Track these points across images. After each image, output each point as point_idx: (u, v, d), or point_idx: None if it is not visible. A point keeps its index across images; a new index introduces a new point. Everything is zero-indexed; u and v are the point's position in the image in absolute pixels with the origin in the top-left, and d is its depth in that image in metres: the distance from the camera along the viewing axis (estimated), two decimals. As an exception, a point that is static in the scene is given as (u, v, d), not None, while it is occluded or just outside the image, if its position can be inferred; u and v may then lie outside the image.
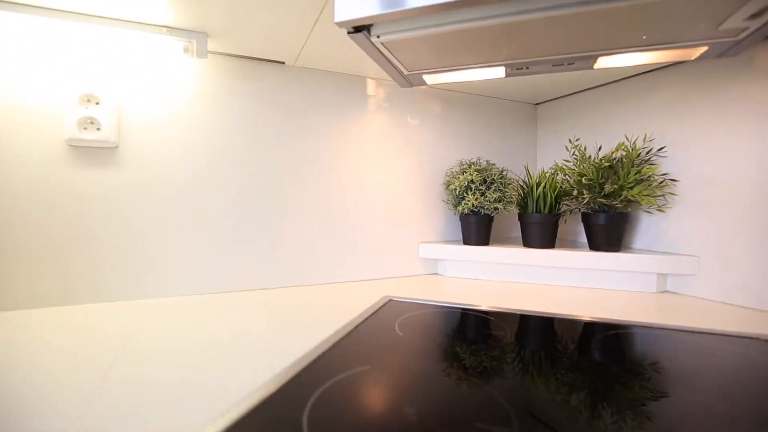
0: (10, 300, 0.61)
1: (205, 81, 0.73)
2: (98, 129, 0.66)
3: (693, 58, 0.62)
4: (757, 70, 0.67)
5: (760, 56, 0.66)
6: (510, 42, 0.57)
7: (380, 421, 0.31)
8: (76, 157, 0.66)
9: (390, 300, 0.69)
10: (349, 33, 0.55)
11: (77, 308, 0.64)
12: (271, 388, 0.35)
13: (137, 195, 0.69)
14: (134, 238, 0.69)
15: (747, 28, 0.53)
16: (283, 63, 0.79)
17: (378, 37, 0.56)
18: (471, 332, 0.55)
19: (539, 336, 0.55)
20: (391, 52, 0.61)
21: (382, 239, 0.90)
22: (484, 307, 0.65)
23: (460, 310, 0.64)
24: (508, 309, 0.65)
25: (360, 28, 0.54)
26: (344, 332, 0.51)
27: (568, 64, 0.64)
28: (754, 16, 0.50)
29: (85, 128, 0.65)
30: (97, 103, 0.66)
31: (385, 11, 0.49)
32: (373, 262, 0.90)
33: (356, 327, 0.54)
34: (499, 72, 0.70)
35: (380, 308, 0.64)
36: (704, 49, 0.60)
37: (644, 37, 0.54)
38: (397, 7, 0.48)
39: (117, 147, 0.68)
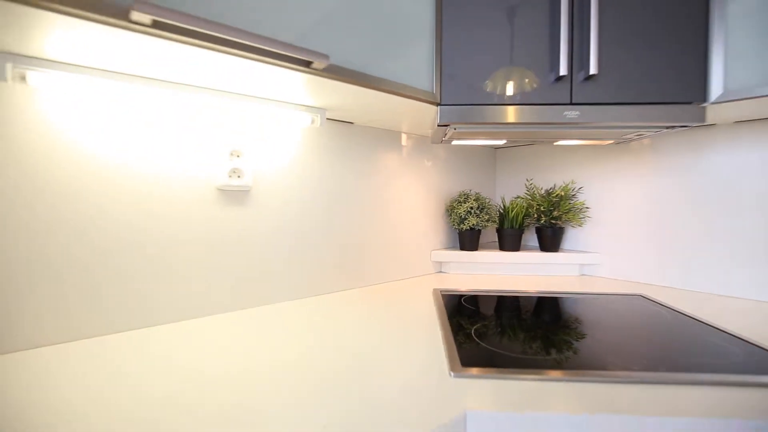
0: (183, 307, 0.79)
1: (308, 139, 0.98)
2: (239, 176, 0.87)
3: (604, 144, 1.11)
4: (632, 147, 1.19)
5: (634, 144, 1.19)
6: (518, 135, 0.98)
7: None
8: (222, 198, 0.85)
9: (435, 289, 1.04)
10: (440, 126, 0.89)
11: (224, 314, 0.84)
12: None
13: (263, 223, 0.91)
14: (261, 253, 0.91)
15: (636, 137, 1.02)
16: (352, 123, 1.08)
17: (455, 129, 0.91)
18: (475, 304, 0.94)
19: (511, 305, 0.96)
20: (452, 134, 0.96)
21: (409, 248, 1.24)
22: (478, 291, 1.05)
23: (482, 293, 1.03)
24: (492, 291, 1.05)
25: (444, 126, 0.89)
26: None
27: (540, 142, 1.08)
28: (638, 135, 0.99)
29: (230, 177, 0.86)
30: (238, 156, 0.87)
31: (463, 121, 0.85)
32: (403, 264, 1.23)
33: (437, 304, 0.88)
34: (501, 143, 1.11)
35: (440, 295, 0.99)
36: (611, 141, 1.09)
37: (581, 140, 1.01)
38: (470, 122, 0.85)
39: (250, 190, 0.89)
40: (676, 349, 0.67)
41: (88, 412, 0.46)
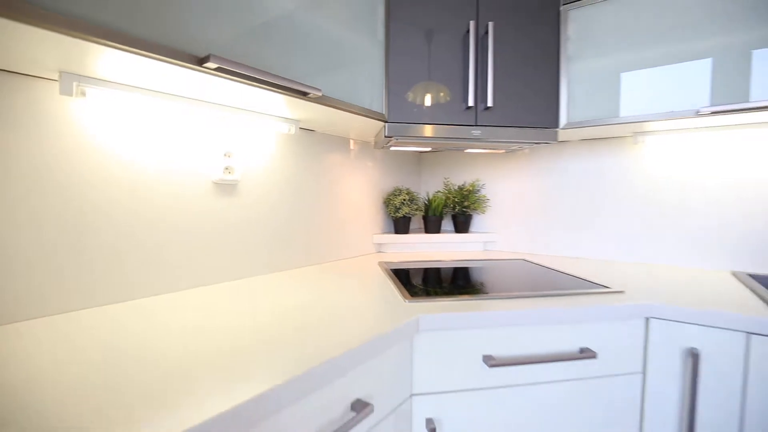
0: (179, 278, 0.99)
1: (283, 144, 1.21)
2: (230, 173, 1.08)
3: (499, 152, 1.53)
4: (517, 155, 1.64)
5: (518, 153, 1.63)
6: (440, 145, 1.34)
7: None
8: (217, 190, 1.06)
9: (381, 262, 1.35)
10: (386, 137, 1.20)
11: (219, 284, 1.05)
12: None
13: (247, 211, 1.13)
14: (247, 234, 1.12)
15: (519, 149, 1.45)
16: (314, 131, 1.33)
17: (396, 139, 1.23)
18: (408, 272, 1.29)
19: (436, 269, 1.33)
20: (395, 142, 1.29)
21: (355, 232, 1.53)
22: (411, 262, 1.40)
23: (415, 263, 1.37)
24: (421, 261, 1.42)
25: (389, 137, 1.20)
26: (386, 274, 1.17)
27: (454, 150, 1.46)
28: (520, 147, 1.42)
29: (224, 172, 1.06)
30: (230, 156, 1.08)
31: (399, 134, 1.18)
32: (352, 245, 1.52)
33: (388, 271, 1.20)
34: (427, 149, 1.47)
35: (384, 265, 1.30)
36: (503, 151, 1.51)
37: (483, 149, 1.41)
38: (408, 135, 1.18)
39: (238, 183, 1.11)
40: (539, 282, 1.07)
41: (129, 349, 0.68)
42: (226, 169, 1.07)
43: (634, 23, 1.17)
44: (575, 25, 1.26)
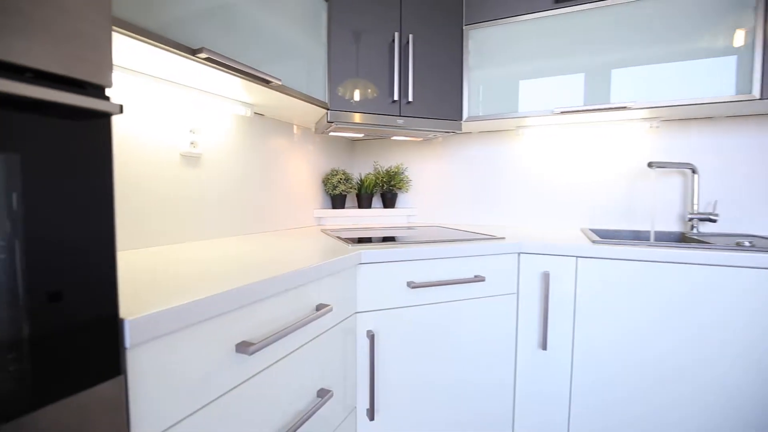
0: (151, 237, 1.15)
1: (239, 124, 1.39)
2: (194, 147, 1.25)
3: (418, 140, 1.88)
4: (433, 143, 2.00)
5: (434, 141, 1.99)
6: (371, 132, 1.64)
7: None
8: (183, 162, 1.22)
9: (322, 230, 1.61)
10: (328, 122, 1.46)
11: (191, 243, 1.23)
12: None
13: (210, 181, 1.30)
14: (209, 201, 1.30)
15: (434, 137, 1.81)
16: (263, 115, 1.53)
17: (336, 125, 1.49)
18: (348, 236, 1.58)
19: (368, 236, 1.64)
20: (335, 128, 1.55)
21: (299, 206, 1.76)
22: (351, 234, 1.69)
23: (350, 232, 1.65)
24: (357, 232, 1.71)
25: (331, 123, 1.47)
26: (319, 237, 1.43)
27: (389, 137, 1.76)
28: (435, 136, 1.78)
29: (190, 146, 1.23)
30: (193, 132, 1.25)
31: (338, 120, 1.45)
32: (297, 217, 1.74)
33: (326, 233, 1.47)
34: (360, 136, 1.75)
35: (326, 231, 1.56)
36: (421, 139, 1.86)
37: (406, 137, 1.74)
38: (346, 121, 1.46)
39: (201, 156, 1.28)
40: (448, 236, 1.42)
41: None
42: (192, 143, 1.24)
43: (517, 44, 1.58)
44: (473, 42, 1.64)
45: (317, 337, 0.92)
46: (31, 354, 0.42)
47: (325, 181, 1.90)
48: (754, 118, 1.51)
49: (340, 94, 1.45)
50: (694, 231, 1.55)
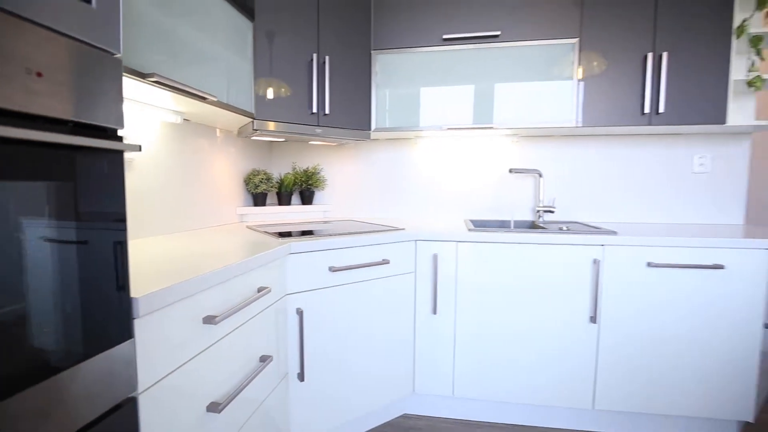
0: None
1: (169, 130, 1.49)
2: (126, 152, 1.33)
3: (334, 145, 2.14)
4: (347, 147, 2.28)
5: (348, 146, 2.27)
6: (292, 138, 1.86)
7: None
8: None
9: (248, 226, 1.79)
10: (254, 130, 1.64)
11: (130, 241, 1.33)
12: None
13: (141, 184, 1.40)
14: (141, 203, 1.40)
15: (347, 143, 2.09)
16: (189, 121, 1.64)
17: (260, 131, 1.68)
18: (273, 231, 1.80)
19: (290, 230, 1.87)
20: (259, 134, 1.73)
21: (223, 204, 1.89)
22: (276, 229, 1.90)
23: (273, 227, 1.86)
24: (278, 224, 1.93)
25: (256, 130, 1.65)
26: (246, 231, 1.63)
27: (308, 141, 1.99)
28: (347, 142, 2.06)
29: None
30: (125, 139, 1.33)
31: (264, 128, 1.65)
32: (220, 215, 1.87)
33: (252, 229, 1.66)
34: (282, 140, 1.95)
35: (252, 228, 1.75)
36: (337, 144, 2.12)
37: (323, 142, 1.99)
38: (270, 130, 1.66)
39: (132, 161, 1.36)
40: (359, 228, 1.71)
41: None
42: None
43: (416, 69, 1.93)
44: (380, 64, 1.95)
45: (259, 313, 1.14)
46: (78, 320, 0.60)
47: (247, 181, 2.05)
48: (579, 137, 2.10)
49: (265, 105, 1.64)
50: (541, 219, 2.09)
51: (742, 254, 1.50)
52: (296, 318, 1.35)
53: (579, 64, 1.78)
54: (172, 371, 0.79)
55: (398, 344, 1.66)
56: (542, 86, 1.84)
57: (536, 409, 1.72)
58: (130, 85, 1.06)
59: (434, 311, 1.68)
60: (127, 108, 1.26)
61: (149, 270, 0.90)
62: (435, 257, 1.65)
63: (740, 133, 1.97)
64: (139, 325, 0.70)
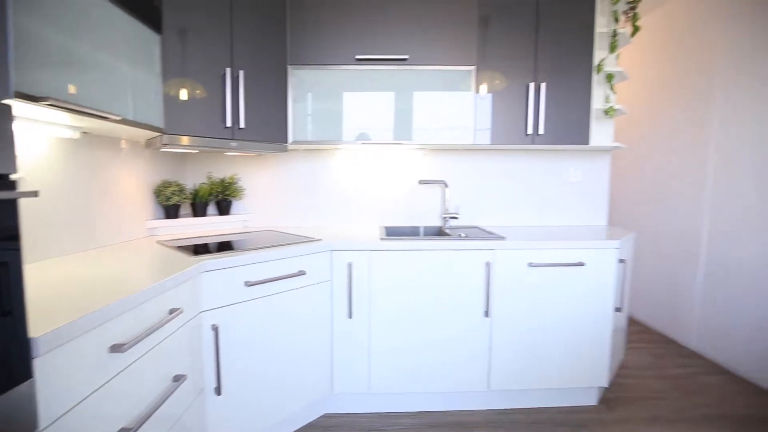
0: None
1: (63, 144, 1.40)
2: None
3: (252, 155, 2.15)
4: (266, 157, 2.30)
5: (267, 156, 2.29)
6: (207, 150, 1.85)
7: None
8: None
9: (159, 241, 1.75)
10: (164, 144, 1.61)
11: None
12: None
13: (35, 204, 1.31)
14: (37, 225, 1.31)
15: (265, 154, 2.11)
16: (87, 132, 1.55)
17: (169, 145, 1.65)
18: (187, 246, 1.80)
19: (206, 243, 1.88)
20: (169, 146, 1.70)
21: (130, 218, 1.82)
22: (190, 243, 1.88)
23: (188, 240, 1.84)
24: (194, 238, 1.92)
25: (166, 144, 1.62)
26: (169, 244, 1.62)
27: (224, 153, 1.98)
28: (265, 153, 2.09)
29: (6, 170, 1.23)
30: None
31: (175, 143, 1.63)
32: (128, 230, 1.80)
33: (163, 243, 1.64)
34: (195, 152, 1.92)
35: (163, 243, 1.72)
36: (255, 154, 2.14)
37: (241, 154, 2.00)
38: (181, 144, 1.65)
39: (23, 179, 1.27)
40: (278, 240, 1.77)
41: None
42: (10, 167, 1.23)
43: (332, 84, 2.02)
44: (296, 79, 2.01)
45: (172, 334, 1.17)
46: (-27, 368, 0.61)
47: (158, 193, 1.98)
48: (479, 151, 2.36)
49: (176, 118, 1.62)
50: (447, 225, 2.32)
51: (597, 253, 1.85)
52: (212, 334, 1.38)
53: (477, 89, 2.02)
54: (77, 404, 0.80)
55: (316, 349, 1.76)
56: (447, 106, 2.05)
57: (442, 395, 1.94)
58: (21, 106, 1.02)
59: (350, 316, 1.81)
60: (16, 126, 1.18)
61: (49, 299, 0.89)
62: (350, 266, 1.78)
63: (603, 150, 2.38)
64: (39, 364, 0.71)
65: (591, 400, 2.02)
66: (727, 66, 2.43)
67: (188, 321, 1.27)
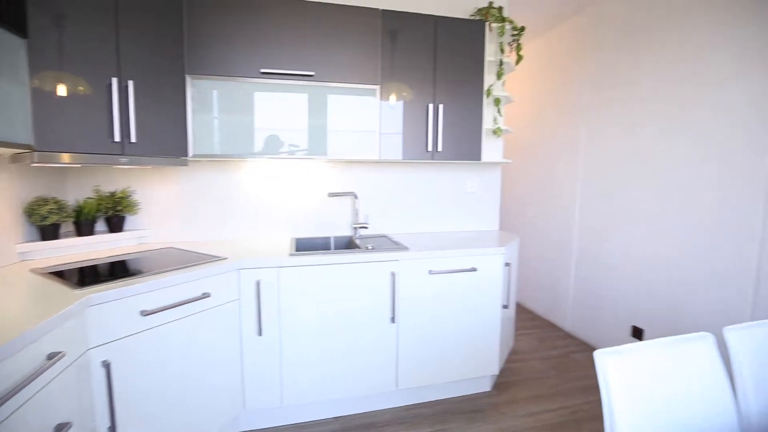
0: None
1: None
2: None
3: (148, 168, 2.00)
4: (165, 169, 2.15)
5: (167, 169, 2.14)
6: (93, 164, 1.69)
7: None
8: None
9: (33, 269, 1.56)
10: (34, 161, 1.44)
11: None
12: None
13: None
14: None
15: (162, 167, 1.98)
16: (-70, 149, 1.32)
17: (39, 161, 1.48)
18: (68, 271, 1.65)
19: (93, 268, 1.74)
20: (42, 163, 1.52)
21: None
22: (69, 266, 1.71)
23: (72, 265, 1.67)
24: (79, 263, 1.75)
25: (37, 162, 1.45)
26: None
27: (107, 166, 1.81)
28: (161, 166, 1.96)
29: None
30: None
31: (49, 161, 1.47)
32: (-8, 259, 1.57)
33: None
34: (78, 166, 1.74)
35: (39, 271, 1.54)
36: (150, 167, 1.99)
37: (133, 167, 1.86)
38: (58, 161, 1.49)
39: None
40: (179, 261, 1.69)
41: None
42: None
43: (237, 96, 1.96)
44: (196, 90, 1.92)
45: (53, 380, 1.07)
46: None
47: (30, 212, 1.75)
48: (387, 164, 2.49)
49: (51, 133, 1.45)
50: (357, 235, 2.42)
51: (487, 259, 2.09)
52: (102, 371, 1.29)
53: (380, 107, 2.13)
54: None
55: (226, 370, 1.73)
56: (357, 121, 2.12)
57: (355, 399, 2.04)
58: None
59: (260, 333, 1.81)
60: None
61: None
62: (258, 284, 1.77)
63: (494, 164, 2.68)
64: None
65: (485, 386, 2.29)
66: (591, 90, 2.89)
67: (74, 362, 1.18)
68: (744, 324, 1.13)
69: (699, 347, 1.00)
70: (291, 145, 2.07)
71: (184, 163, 1.92)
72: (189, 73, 1.89)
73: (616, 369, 0.91)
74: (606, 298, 2.78)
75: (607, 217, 2.75)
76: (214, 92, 1.95)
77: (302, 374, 1.89)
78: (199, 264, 1.65)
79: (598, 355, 0.93)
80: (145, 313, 1.39)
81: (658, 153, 2.36)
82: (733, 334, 1.09)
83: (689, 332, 1.04)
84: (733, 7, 1.96)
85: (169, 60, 1.82)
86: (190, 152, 1.92)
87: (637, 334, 2.53)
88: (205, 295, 1.60)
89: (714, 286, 2.06)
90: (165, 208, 2.20)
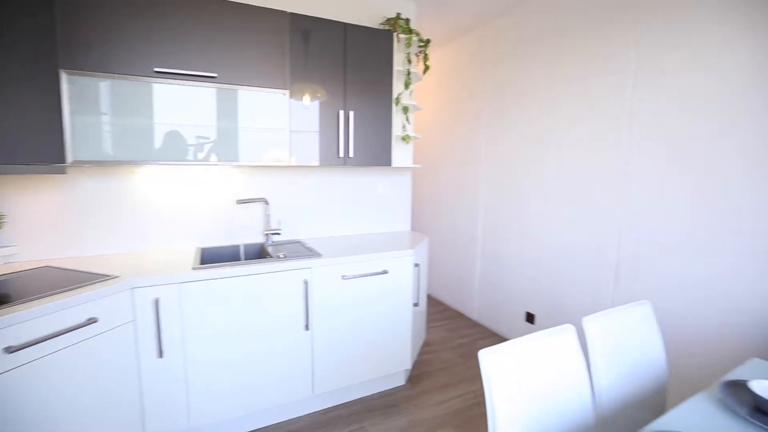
0: None
1: None
2: None
3: (14, 174, 1.72)
4: (38, 177, 1.87)
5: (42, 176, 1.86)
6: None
7: None
8: None
9: None
10: None
11: None
12: None
13: None
14: None
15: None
16: None
17: None
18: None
19: (-28, 287, 1.48)
20: None
21: None
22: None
23: None
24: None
25: None
26: None
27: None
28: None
29: None
30: None
31: None
32: None
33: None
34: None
35: None
36: (18, 174, 1.72)
37: (-5, 177, 1.59)
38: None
39: None
40: (59, 283, 1.50)
41: None
42: None
43: (127, 96, 1.77)
44: (74, 88, 1.69)
45: None
46: None
47: None
48: (299, 168, 2.46)
49: None
50: (270, 241, 2.36)
51: (397, 261, 2.20)
52: (-46, 422, 1.11)
53: (291, 113, 2.10)
54: None
55: (120, 400, 1.59)
56: (266, 120, 2.06)
57: (271, 409, 2.01)
58: None
59: (161, 355, 1.69)
60: None
61: None
62: (156, 302, 1.65)
63: (405, 168, 2.80)
64: None
65: (400, 381, 2.41)
66: (489, 98, 3.17)
67: None
68: (599, 313, 1.36)
69: (562, 338, 1.18)
70: (197, 148, 1.95)
71: (62, 171, 1.70)
72: (63, 68, 1.66)
73: (495, 364, 1.04)
74: (504, 289, 3.09)
75: (505, 217, 3.06)
76: (101, 91, 1.75)
77: (213, 391, 1.81)
78: (83, 285, 1.49)
79: (481, 354, 1.05)
80: (10, 350, 1.22)
81: (546, 160, 2.68)
82: (589, 323, 1.31)
83: (571, 315, 1.22)
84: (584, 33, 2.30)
85: (34, 52, 1.58)
86: (69, 158, 1.70)
87: (530, 318, 2.86)
88: (92, 321, 1.44)
89: (583, 278, 2.42)
90: (40, 221, 1.91)
